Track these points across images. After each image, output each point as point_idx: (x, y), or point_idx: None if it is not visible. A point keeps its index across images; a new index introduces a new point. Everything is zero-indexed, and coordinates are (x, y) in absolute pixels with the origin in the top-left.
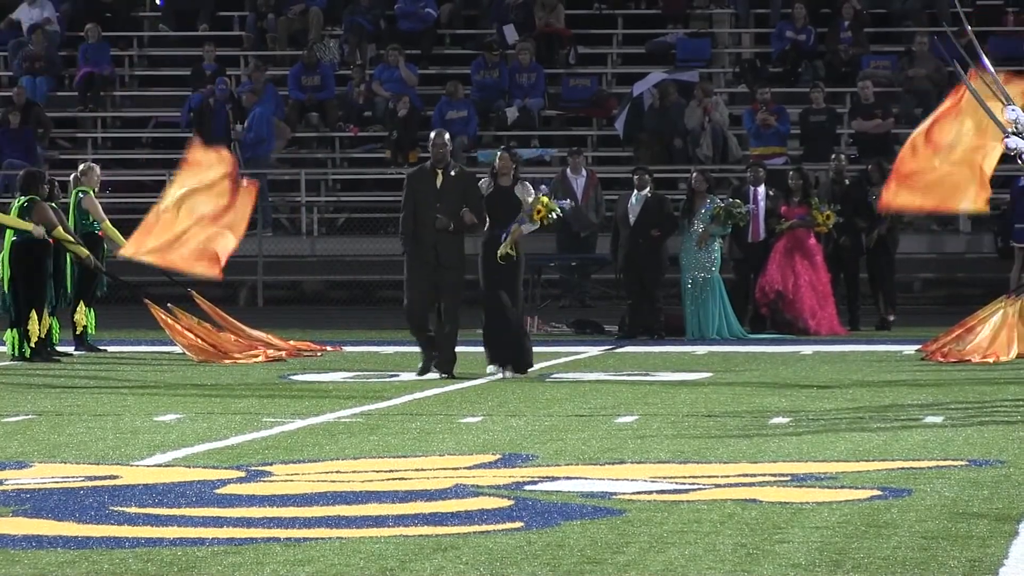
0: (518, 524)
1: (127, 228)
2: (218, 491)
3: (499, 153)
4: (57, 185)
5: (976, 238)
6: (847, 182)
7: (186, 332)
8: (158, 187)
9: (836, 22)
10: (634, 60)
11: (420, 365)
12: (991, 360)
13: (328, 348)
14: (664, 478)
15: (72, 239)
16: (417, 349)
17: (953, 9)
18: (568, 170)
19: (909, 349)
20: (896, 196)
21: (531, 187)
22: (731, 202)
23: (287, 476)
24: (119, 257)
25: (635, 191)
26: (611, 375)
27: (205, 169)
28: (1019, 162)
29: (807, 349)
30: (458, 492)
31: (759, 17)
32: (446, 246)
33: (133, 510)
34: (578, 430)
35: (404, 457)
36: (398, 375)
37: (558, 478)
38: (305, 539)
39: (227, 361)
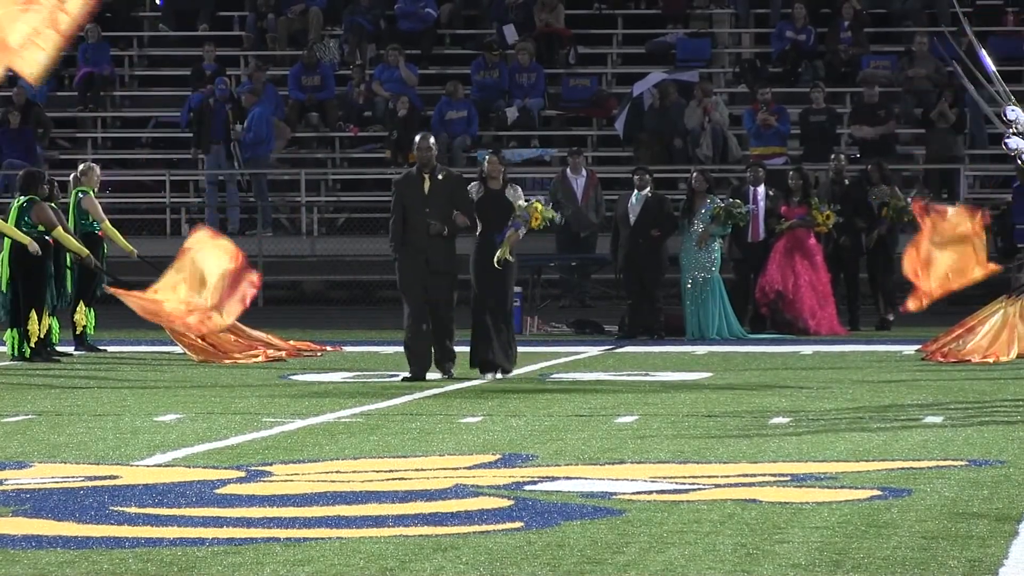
0: (518, 524)
1: (127, 228)
2: (218, 491)
3: (487, 157)
4: (57, 185)
5: None
6: (847, 182)
7: (186, 332)
8: (158, 187)
9: (836, 22)
10: (634, 60)
11: (409, 373)
12: (991, 360)
13: (328, 348)
14: (664, 478)
15: (72, 239)
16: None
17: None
18: (568, 170)
19: (909, 349)
20: (928, 298)
21: (521, 190)
22: (731, 202)
23: (287, 476)
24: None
25: (635, 191)
26: (611, 375)
27: (208, 257)
28: (1019, 162)
29: (807, 349)
30: (458, 492)
31: (759, 17)
32: (437, 251)
33: (133, 510)
34: (578, 430)
35: (404, 457)
36: (398, 375)
37: (558, 478)
38: (305, 539)
39: (227, 361)
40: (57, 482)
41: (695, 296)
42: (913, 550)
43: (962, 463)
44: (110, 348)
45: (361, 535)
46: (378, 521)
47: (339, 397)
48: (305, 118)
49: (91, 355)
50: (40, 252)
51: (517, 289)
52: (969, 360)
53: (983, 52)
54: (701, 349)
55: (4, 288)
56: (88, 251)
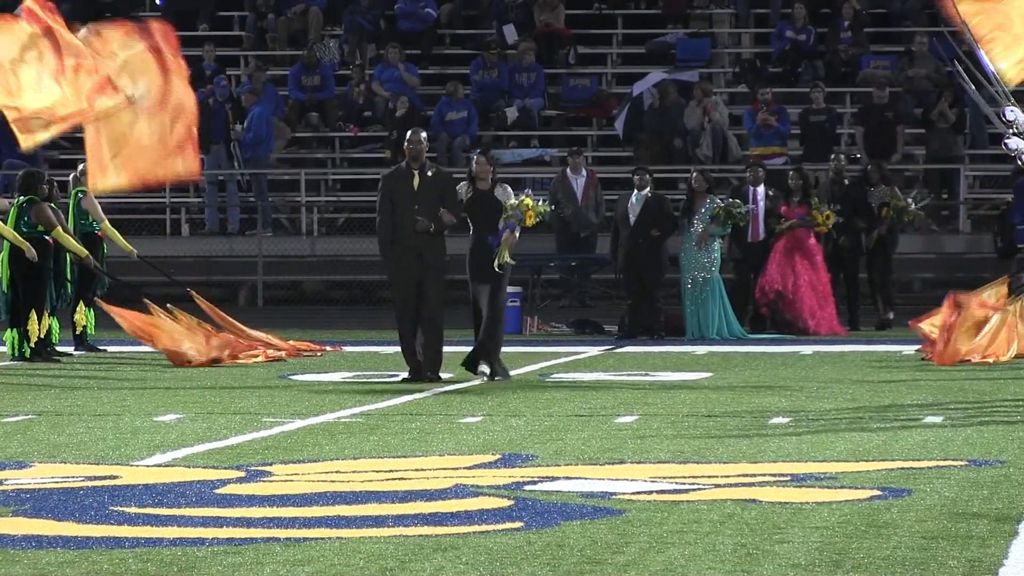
0: (518, 524)
1: (127, 228)
2: (218, 491)
3: (475, 157)
4: (56, 185)
5: (976, 238)
6: (847, 182)
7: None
8: (158, 187)
9: (836, 22)
10: (634, 60)
11: (408, 374)
12: (991, 360)
13: (328, 348)
14: (664, 478)
15: (72, 239)
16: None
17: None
18: (568, 170)
19: (909, 349)
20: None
21: (510, 189)
22: (731, 202)
23: (287, 476)
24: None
25: (635, 191)
26: (611, 375)
27: (119, 49)
28: (1019, 162)
29: (807, 349)
30: (458, 492)
31: (759, 17)
32: (427, 247)
33: (133, 510)
34: (578, 430)
35: (404, 457)
36: (398, 375)
37: (558, 478)
38: (305, 539)
39: (227, 361)
40: (57, 482)
41: (695, 296)
42: (913, 550)
43: (962, 463)
44: (110, 348)
45: (361, 535)
46: (378, 521)
47: (339, 397)
48: (305, 118)
49: (91, 355)
50: (37, 258)
51: (517, 289)
52: (969, 360)
53: (982, 52)
54: (701, 349)
55: (4, 288)
56: (87, 251)
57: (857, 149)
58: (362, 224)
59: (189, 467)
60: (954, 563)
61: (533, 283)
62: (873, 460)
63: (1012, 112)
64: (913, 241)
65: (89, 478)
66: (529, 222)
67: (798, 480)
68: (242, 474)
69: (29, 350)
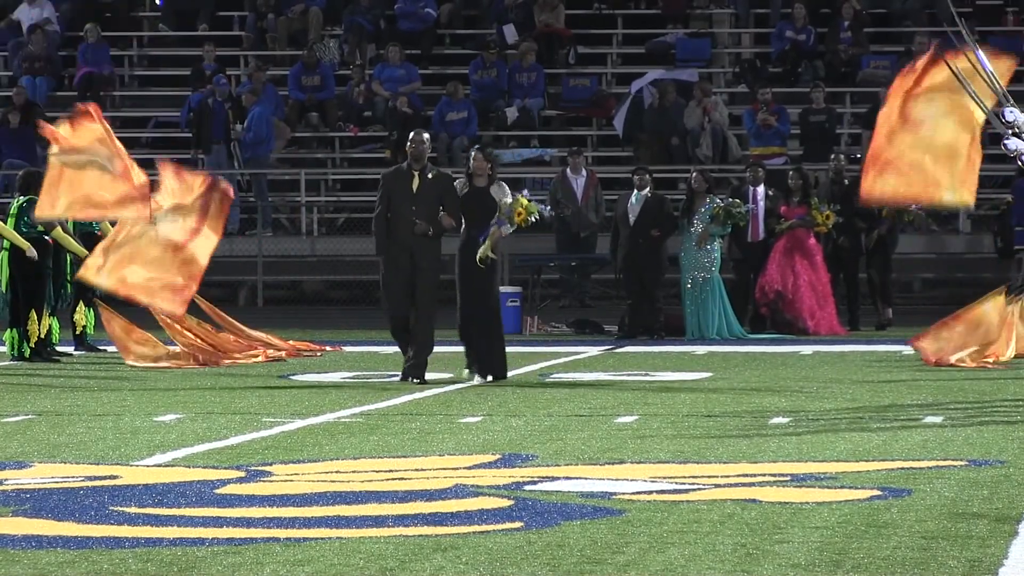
0: (518, 524)
1: None
2: (218, 491)
3: (473, 153)
4: None
5: (976, 238)
6: (846, 182)
7: (186, 332)
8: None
9: (836, 22)
10: (634, 60)
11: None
12: (991, 360)
13: (328, 348)
14: (664, 478)
15: (71, 240)
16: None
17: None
18: (568, 170)
19: (909, 349)
20: (875, 185)
21: (507, 188)
22: (731, 202)
23: (287, 476)
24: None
25: (635, 191)
26: (611, 375)
27: (180, 194)
28: (1019, 163)
29: (807, 349)
30: (458, 492)
31: (759, 17)
32: (422, 249)
33: (133, 510)
34: (578, 430)
35: (404, 457)
36: (398, 375)
37: (558, 478)
38: (305, 539)
39: (227, 361)
40: (57, 482)
41: (695, 296)
42: (913, 550)
43: (962, 463)
44: (110, 348)
45: (361, 535)
46: (378, 521)
47: (339, 397)
48: (305, 118)
49: (91, 355)
50: (37, 257)
51: (517, 289)
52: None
53: (980, 53)
54: (701, 349)
55: (4, 288)
56: (87, 251)
57: (858, 149)
58: (362, 224)
59: (189, 467)
60: (954, 563)
61: (533, 283)
62: (873, 460)
63: (1011, 112)
64: (913, 241)
65: (89, 478)
66: (518, 219)
67: (798, 480)
68: (242, 474)
69: (29, 350)
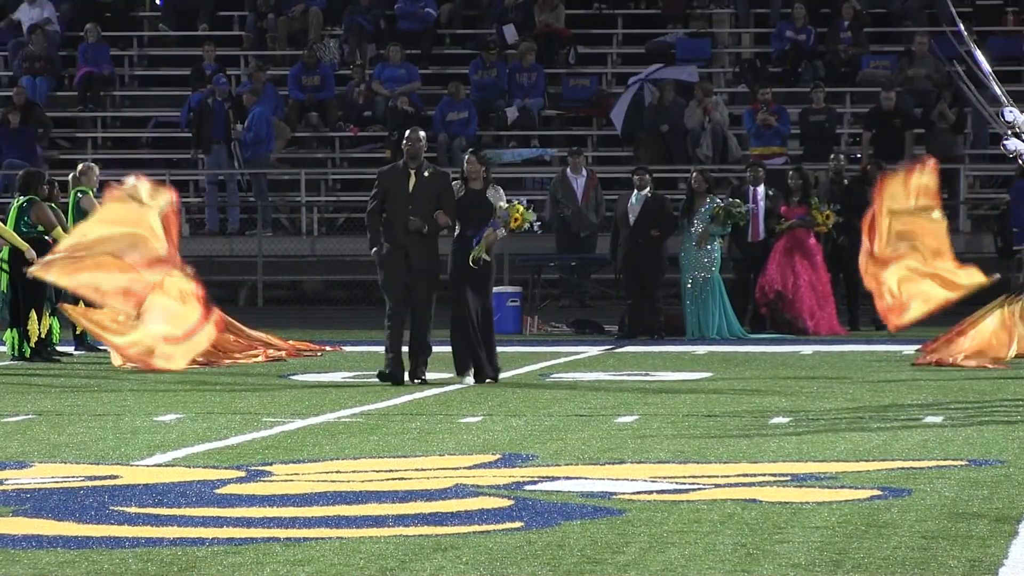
0: (518, 524)
1: None
2: (218, 491)
3: (467, 156)
4: (57, 185)
5: (976, 238)
6: (846, 182)
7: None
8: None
9: (836, 22)
10: (634, 60)
11: (386, 371)
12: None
13: (327, 348)
14: (664, 478)
15: None
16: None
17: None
18: (568, 170)
19: (909, 349)
20: (903, 320)
21: (503, 192)
22: (731, 202)
23: (287, 476)
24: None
25: (635, 191)
26: (611, 375)
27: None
28: (1020, 163)
29: (807, 349)
30: (458, 492)
31: (759, 17)
32: (418, 249)
33: (133, 510)
34: (578, 430)
35: (404, 457)
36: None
37: (558, 478)
38: (305, 539)
39: (227, 361)
40: (57, 482)
41: (695, 296)
42: (913, 550)
43: (962, 463)
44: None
45: (361, 535)
46: (378, 521)
47: (339, 397)
48: (305, 118)
49: (91, 355)
50: (36, 259)
51: (517, 289)
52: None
53: (979, 53)
54: (701, 349)
55: (4, 288)
56: None
57: (858, 149)
58: (362, 224)
59: (189, 467)
60: (954, 563)
61: (533, 283)
62: (873, 460)
63: (1011, 113)
64: None
65: (89, 478)
66: (513, 225)
67: (798, 480)
68: (242, 474)
69: (29, 350)
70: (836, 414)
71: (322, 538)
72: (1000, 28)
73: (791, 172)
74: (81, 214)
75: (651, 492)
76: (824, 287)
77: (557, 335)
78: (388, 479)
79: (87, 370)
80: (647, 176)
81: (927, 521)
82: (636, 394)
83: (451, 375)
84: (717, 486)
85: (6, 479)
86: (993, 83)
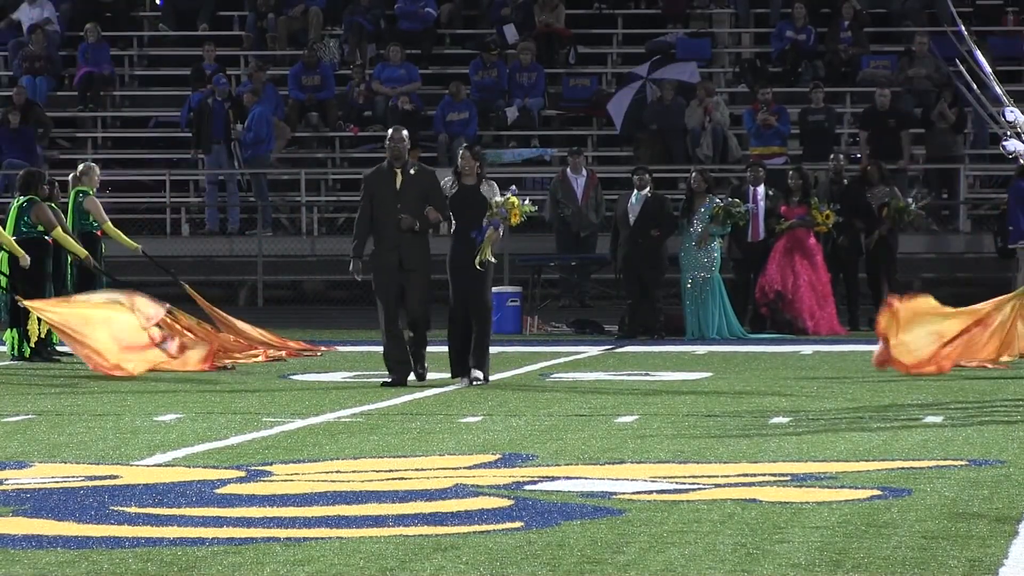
0: (518, 524)
1: (127, 228)
2: (218, 491)
3: (461, 152)
4: (57, 185)
5: (976, 238)
6: (846, 182)
7: (186, 332)
8: (158, 187)
9: (836, 22)
10: (634, 60)
11: (390, 379)
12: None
13: (323, 348)
14: (664, 478)
15: (71, 240)
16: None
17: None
18: (568, 170)
19: None
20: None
21: (497, 187)
22: (731, 202)
23: (287, 476)
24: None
25: (635, 191)
26: (611, 375)
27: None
28: (1021, 162)
29: (807, 349)
30: (458, 492)
31: (759, 17)
32: (409, 248)
33: (133, 510)
34: (578, 430)
35: (404, 457)
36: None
37: (558, 478)
38: (305, 539)
39: (227, 361)
40: (57, 482)
41: (695, 296)
42: (913, 550)
43: (962, 463)
44: None
45: (361, 535)
46: (378, 521)
47: (339, 397)
48: (305, 118)
49: None
50: (29, 265)
51: (517, 289)
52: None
53: (978, 53)
54: (701, 349)
55: (4, 288)
56: (87, 252)
57: (858, 149)
58: None
59: (189, 467)
60: (954, 563)
61: (533, 283)
62: (873, 460)
63: (1012, 113)
64: (913, 241)
65: (89, 478)
66: (514, 220)
67: (798, 480)
68: (242, 474)
69: (29, 350)
70: (836, 414)
71: (322, 538)
72: (1000, 28)
73: (791, 172)
74: (82, 214)
75: (651, 492)
76: (824, 287)
77: (557, 335)
78: (388, 479)
79: (87, 370)
80: (647, 176)
81: (927, 521)
82: (636, 394)
83: (450, 375)
84: (717, 486)
85: (6, 479)
86: (993, 83)
